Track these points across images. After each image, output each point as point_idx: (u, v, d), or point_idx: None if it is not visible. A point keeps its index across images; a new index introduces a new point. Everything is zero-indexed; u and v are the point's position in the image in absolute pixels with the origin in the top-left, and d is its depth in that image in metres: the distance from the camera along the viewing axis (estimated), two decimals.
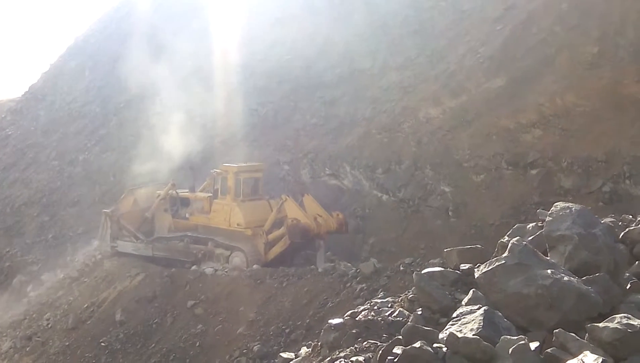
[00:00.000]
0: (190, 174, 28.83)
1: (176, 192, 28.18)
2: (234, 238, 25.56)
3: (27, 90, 51.92)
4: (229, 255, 25.39)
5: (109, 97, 43.50)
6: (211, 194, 26.93)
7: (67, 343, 24.50)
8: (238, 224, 25.36)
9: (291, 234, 24.21)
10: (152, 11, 47.59)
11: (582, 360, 6.10)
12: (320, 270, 22.37)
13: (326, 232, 24.64)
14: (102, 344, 23.36)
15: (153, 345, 22.32)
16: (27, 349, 25.87)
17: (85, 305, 25.98)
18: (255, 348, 19.61)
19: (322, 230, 24.40)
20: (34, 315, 28.03)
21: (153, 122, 37.76)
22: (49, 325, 26.40)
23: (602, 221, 9.16)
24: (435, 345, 6.88)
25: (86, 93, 45.69)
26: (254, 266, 24.19)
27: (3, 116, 50.61)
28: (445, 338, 6.87)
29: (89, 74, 47.32)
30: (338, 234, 25.08)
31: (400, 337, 7.27)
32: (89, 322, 25.04)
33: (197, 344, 21.50)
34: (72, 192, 38.76)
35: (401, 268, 20.22)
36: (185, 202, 28.18)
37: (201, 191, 28.20)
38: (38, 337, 26.13)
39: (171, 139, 33.82)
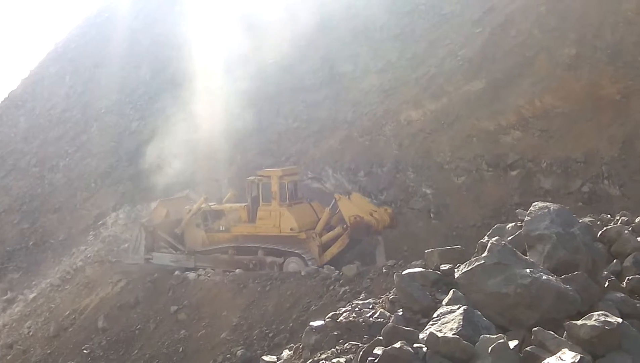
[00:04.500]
0: (216, 186, 27.82)
1: (209, 206, 26.83)
2: (287, 244, 24.55)
3: (7, 96, 51.50)
4: (283, 262, 24.37)
5: (89, 103, 43.22)
6: (247, 204, 25.84)
7: (49, 351, 24.18)
8: (292, 229, 24.44)
9: (355, 231, 23.61)
10: (132, 17, 47.47)
11: (560, 357, 6.15)
12: (380, 265, 21.67)
13: (383, 227, 24.03)
14: (85, 351, 23.05)
15: (136, 351, 22.12)
16: (8, 358, 25.51)
17: (67, 312, 25.67)
18: (239, 352, 19.49)
19: (380, 225, 23.90)
20: (14, 324, 27.73)
21: (134, 128, 37.62)
22: (30, 333, 26.07)
23: (580, 221, 9.24)
24: (415, 345, 6.90)
25: (66, 99, 45.37)
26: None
27: None
28: (425, 338, 6.91)
29: (69, 80, 47.01)
30: (391, 228, 24.48)
31: (381, 337, 7.30)
32: (70, 329, 24.72)
33: (181, 350, 21.34)
34: (53, 199, 38.41)
35: (384, 270, 20.23)
36: (215, 215, 26.91)
37: (225, 201, 27.17)
38: (19, 345, 25.78)
39: (153, 145, 33.66)
